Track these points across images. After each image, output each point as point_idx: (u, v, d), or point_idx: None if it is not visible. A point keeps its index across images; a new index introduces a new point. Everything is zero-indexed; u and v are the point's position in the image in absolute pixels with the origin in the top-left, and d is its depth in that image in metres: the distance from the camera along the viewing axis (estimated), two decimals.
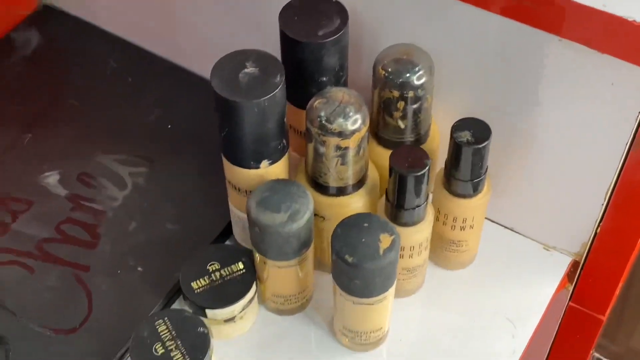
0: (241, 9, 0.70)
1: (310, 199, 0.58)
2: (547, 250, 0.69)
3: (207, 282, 0.62)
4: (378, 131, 0.62)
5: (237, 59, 0.55)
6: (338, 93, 0.56)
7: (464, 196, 0.61)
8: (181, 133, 0.76)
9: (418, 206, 0.58)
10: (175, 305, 0.65)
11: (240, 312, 0.62)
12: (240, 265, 0.62)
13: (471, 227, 0.63)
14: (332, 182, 0.59)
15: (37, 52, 0.82)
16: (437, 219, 0.63)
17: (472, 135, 0.58)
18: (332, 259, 0.56)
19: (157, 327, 0.58)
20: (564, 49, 0.55)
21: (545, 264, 0.68)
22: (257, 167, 0.59)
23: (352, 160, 0.58)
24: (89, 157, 0.74)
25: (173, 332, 0.58)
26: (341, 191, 0.60)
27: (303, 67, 0.59)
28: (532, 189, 0.65)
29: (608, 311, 0.71)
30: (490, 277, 0.67)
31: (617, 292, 0.69)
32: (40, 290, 0.66)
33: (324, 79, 0.60)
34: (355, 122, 0.55)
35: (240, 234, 0.67)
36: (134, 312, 0.64)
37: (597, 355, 0.96)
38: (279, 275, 0.61)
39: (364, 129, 0.56)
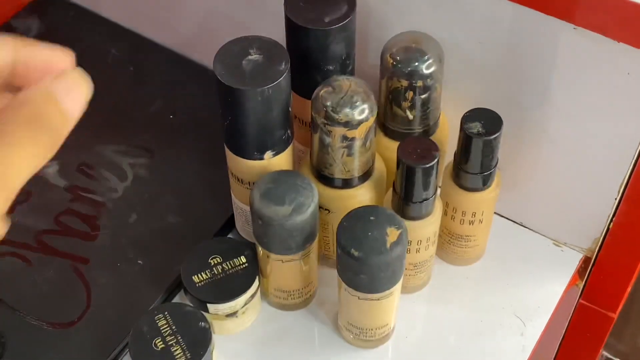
0: None
1: (315, 191, 0.56)
2: (558, 246, 0.67)
3: (209, 275, 0.60)
4: (385, 122, 0.60)
5: (241, 45, 0.54)
6: (345, 82, 0.55)
7: (473, 190, 0.60)
8: (183, 123, 0.75)
9: (426, 199, 0.57)
10: (176, 300, 0.64)
11: (243, 307, 0.61)
12: (243, 259, 0.61)
13: (480, 221, 0.62)
14: (338, 174, 0.58)
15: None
16: (445, 213, 0.61)
17: (483, 127, 0.56)
18: (338, 253, 0.55)
19: (157, 321, 0.57)
20: (579, 37, 0.53)
21: (555, 260, 0.67)
22: (261, 158, 0.57)
23: (359, 151, 0.56)
24: (89, 147, 0.73)
25: (173, 327, 0.57)
26: (347, 183, 0.58)
27: (308, 54, 0.57)
28: (542, 182, 0.64)
29: (619, 309, 0.69)
30: (498, 274, 0.66)
31: (629, 289, 0.68)
32: (38, 283, 0.64)
33: (330, 67, 0.58)
34: (363, 112, 0.54)
35: (243, 227, 0.65)
36: (133, 306, 0.63)
37: (606, 354, 0.95)
38: (282, 269, 0.59)
39: (372, 119, 0.55)
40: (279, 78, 0.53)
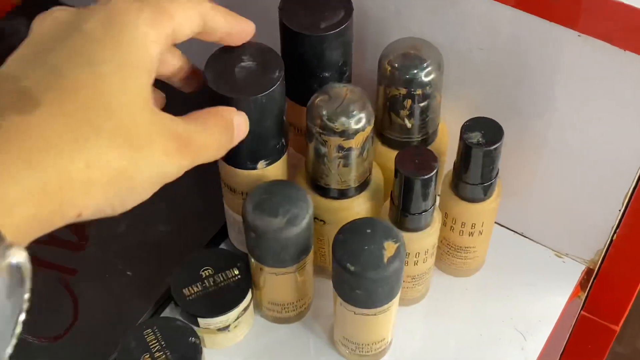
0: None
1: (310, 202, 0.55)
2: (560, 257, 0.66)
3: (200, 288, 0.59)
4: (383, 130, 0.59)
5: (233, 52, 0.52)
6: (341, 90, 0.53)
7: (473, 200, 0.58)
8: None
9: (425, 211, 0.55)
10: (166, 313, 0.62)
11: (235, 320, 0.59)
12: (236, 271, 0.59)
13: (480, 232, 0.60)
14: (334, 185, 0.56)
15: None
16: (444, 224, 0.60)
17: (483, 137, 0.54)
18: (333, 267, 0.53)
19: (146, 336, 0.55)
20: (583, 45, 0.51)
21: (557, 272, 0.65)
22: (254, 168, 0.56)
23: (356, 161, 0.54)
24: None
25: (162, 343, 0.55)
26: (343, 194, 0.57)
27: (304, 61, 0.56)
28: (544, 192, 0.62)
29: (622, 321, 0.68)
30: (498, 285, 0.65)
31: (632, 301, 0.66)
32: None
33: (326, 74, 0.57)
34: (359, 121, 0.52)
35: (236, 237, 0.63)
36: (121, 319, 0.61)
37: None
38: (276, 282, 0.58)
39: (369, 129, 0.53)
40: (273, 86, 0.51)
